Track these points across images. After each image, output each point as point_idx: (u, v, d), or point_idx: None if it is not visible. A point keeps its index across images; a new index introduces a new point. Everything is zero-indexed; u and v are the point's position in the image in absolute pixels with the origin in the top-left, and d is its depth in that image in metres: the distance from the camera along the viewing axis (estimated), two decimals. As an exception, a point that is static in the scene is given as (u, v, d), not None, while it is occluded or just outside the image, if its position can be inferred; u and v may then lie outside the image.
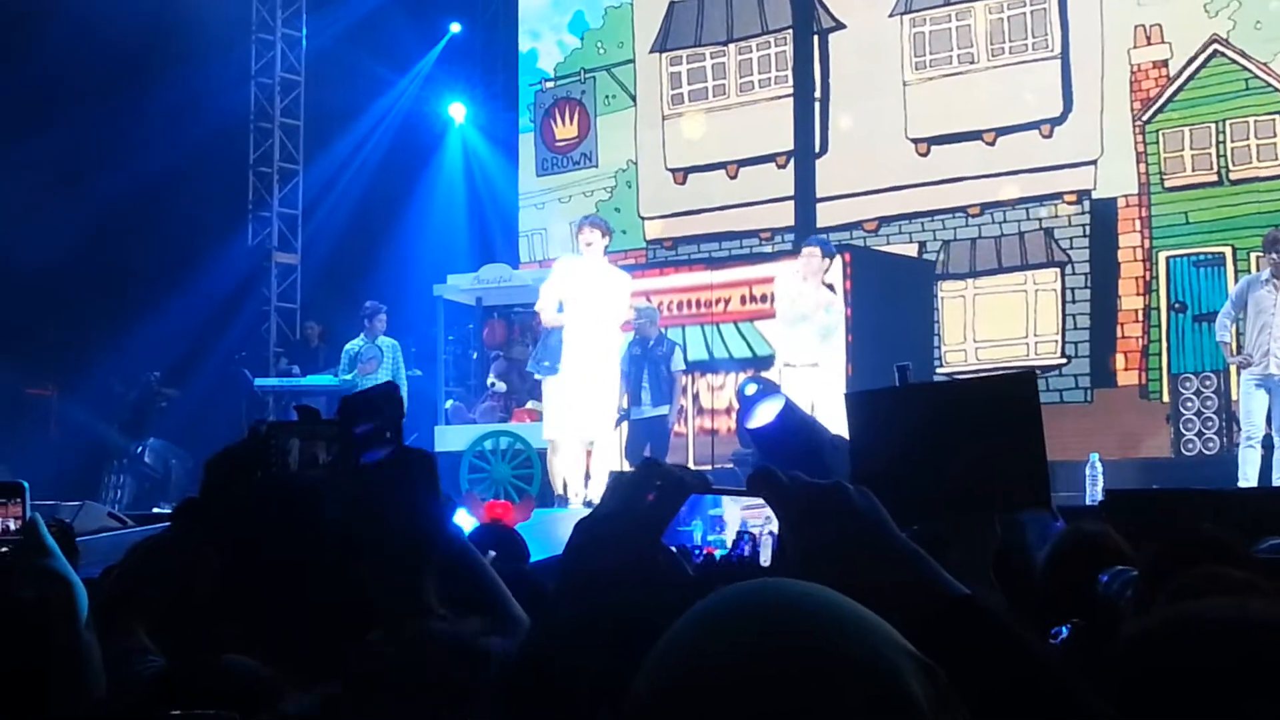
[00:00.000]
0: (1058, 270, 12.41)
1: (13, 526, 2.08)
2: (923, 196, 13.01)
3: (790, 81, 13.74)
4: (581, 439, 8.99)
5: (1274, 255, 8.83)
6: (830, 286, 9.92)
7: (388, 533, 1.69)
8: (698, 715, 0.82)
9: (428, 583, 1.71)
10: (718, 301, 11.97)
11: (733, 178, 14.16)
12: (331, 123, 15.33)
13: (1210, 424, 11.50)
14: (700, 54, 14.55)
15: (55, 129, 12.42)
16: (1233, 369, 10.10)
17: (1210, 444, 11.44)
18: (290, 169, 15.58)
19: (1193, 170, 11.81)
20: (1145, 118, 12.03)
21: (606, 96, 15.14)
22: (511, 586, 1.90)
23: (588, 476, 9.01)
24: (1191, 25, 11.81)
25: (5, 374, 12.30)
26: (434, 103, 16.32)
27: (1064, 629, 2.48)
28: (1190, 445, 11.56)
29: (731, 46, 14.35)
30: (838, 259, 11.23)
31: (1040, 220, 12.49)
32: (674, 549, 1.28)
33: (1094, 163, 12.24)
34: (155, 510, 10.51)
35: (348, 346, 12.13)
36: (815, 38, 13.71)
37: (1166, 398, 11.75)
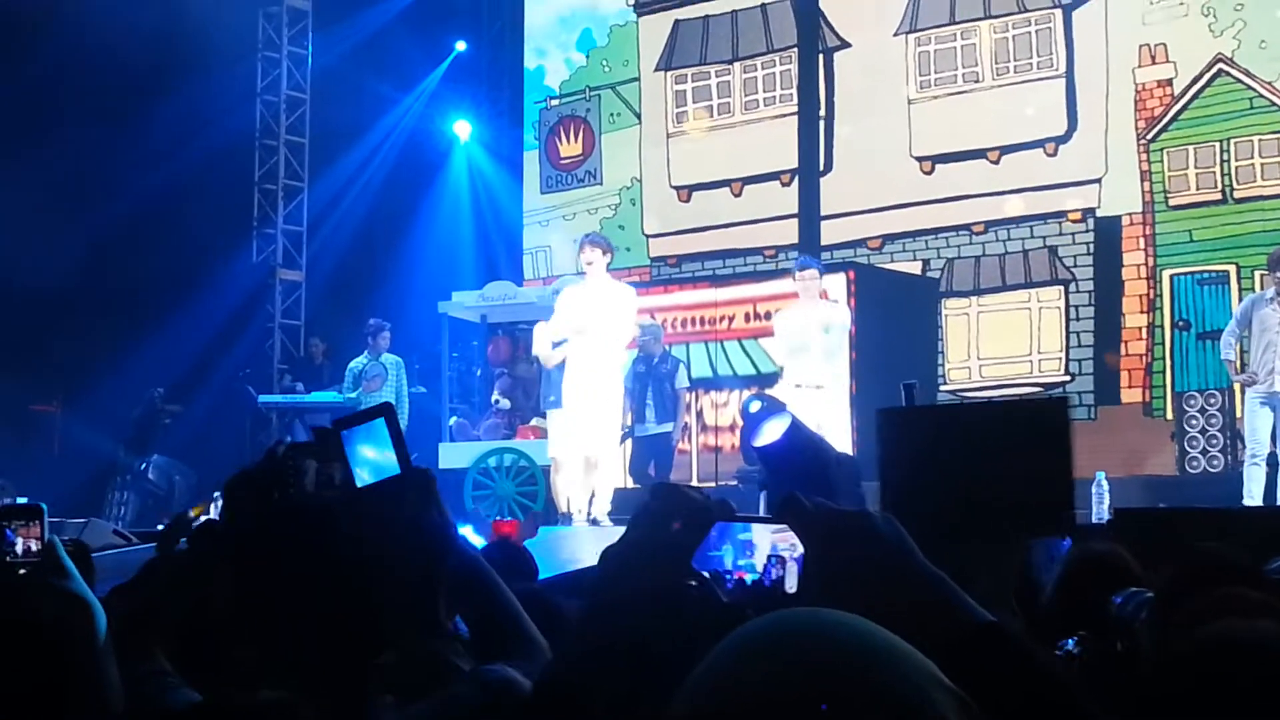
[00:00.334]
0: (1062, 288, 12.40)
1: (33, 548, 2.09)
2: (927, 214, 13.01)
3: (795, 100, 13.75)
4: (586, 456, 8.96)
5: (1278, 274, 8.84)
6: (831, 299, 9.91)
7: (393, 552, 1.69)
8: None
9: (438, 600, 1.72)
10: (722, 319, 12.00)
11: (737, 195, 14.17)
12: (337, 140, 15.34)
13: (1215, 441, 11.49)
14: (705, 72, 14.57)
15: (61, 146, 12.44)
16: (1237, 387, 10.10)
17: (1215, 461, 11.43)
18: (295, 186, 15.61)
19: (1197, 189, 11.82)
20: (1150, 136, 12.04)
21: (611, 114, 15.16)
22: (523, 604, 1.90)
23: (592, 494, 8.98)
24: (1196, 45, 11.83)
25: (10, 390, 12.30)
26: (439, 120, 16.33)
27: (1069, 641, 2.48)
28: (1195, 463, 11.55)
29: (736, 65, 14.37)
30: (841, 276, 11.27)
31: (1044, 238, 12.50)
32: (707, 574, 1.28)
33: (1098, 181, 12.25)
34: (159, 527, 10.49)
35: (352, 364, 12.14)
36: (820, 56, 13.72)
37: (1171, 415, 11.74)
